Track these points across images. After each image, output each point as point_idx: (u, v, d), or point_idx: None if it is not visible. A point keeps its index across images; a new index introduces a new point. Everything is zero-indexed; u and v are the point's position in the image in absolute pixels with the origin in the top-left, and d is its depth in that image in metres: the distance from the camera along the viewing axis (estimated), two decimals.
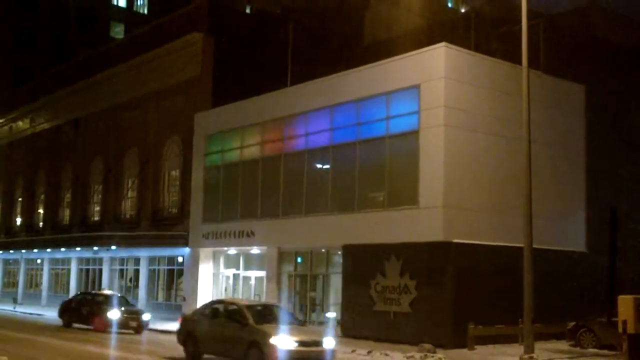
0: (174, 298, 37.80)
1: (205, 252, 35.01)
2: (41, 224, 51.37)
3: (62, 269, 48.18)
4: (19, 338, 25.14)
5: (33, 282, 52.00)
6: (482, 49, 27.01)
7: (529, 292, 20.01)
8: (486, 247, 24.59)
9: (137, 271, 40.36)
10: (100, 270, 43.27)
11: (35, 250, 49.03)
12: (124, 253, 41.01)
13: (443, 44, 25.06)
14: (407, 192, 25.51)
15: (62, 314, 32.45)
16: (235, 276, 34.15)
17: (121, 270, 42.53)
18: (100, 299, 30.76)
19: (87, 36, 67.53)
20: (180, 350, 20.20)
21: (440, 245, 24.04)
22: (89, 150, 46.03)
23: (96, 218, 44.95)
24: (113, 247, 40.01)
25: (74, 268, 45.88)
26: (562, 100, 29.09)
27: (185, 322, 20.54)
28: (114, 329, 28.21)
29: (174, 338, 21.43)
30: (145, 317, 29.71)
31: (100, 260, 43.12)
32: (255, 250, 32.94)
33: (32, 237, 50.29)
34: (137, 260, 40.45)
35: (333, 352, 17.97)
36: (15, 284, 53.56)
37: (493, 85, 26.28)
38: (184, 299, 35.51)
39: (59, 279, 48.74)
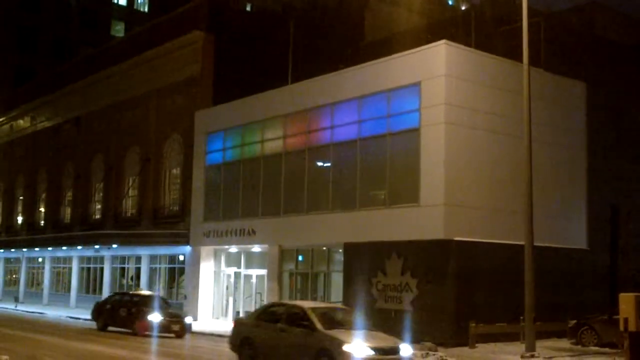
0: (175, 296, 37.78)
1: (206, 250, 35.03)
2: (42, 222, 51.44)
3: (63, 268, 48.22)
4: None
5: (34, 281, 52.07)
6: (483, 47, 26.98)
7: (530, 290, 20.02)
8: (487, 245, 24.59)
9: (138, 269, 40.35)
10: (102, 269, 43.31)
11: (37, 249, 49.11)
12: (125, 251, 41.04)
13: (444, 41, 25.03)
14: (408, 190, 25.49)
15: (96, 316, 29.96)
16: (237, 274, 34.16)
17: (122, 269, 42.54)
18: (139, 300, 28.29)
19: (87, 35, 67.64)
20: (230, 356, 18.67)
21: (441, 243, 24.03)
22: (90, 149, 46.05)
23: (97, 216, 45.00)
24: (114, 246, 40.02)
25: (75, 267, 45.92)
26: (563, 98, 29.07)
27: (240, 326, 18.83)
28: (155, 332, 26.14)
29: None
30: (188, 320, 27.84)
31: (102, 258, 43.15)
32: (256, 248, 32.94)
33: (33, 236, 50.34)
34: (138, 259, 40.47)
35: None
36: (16, 283, 53.65)
37: (494, 83, 26.26)
38: (185, 297, 35.58)
39: (60, 278, 48.78)
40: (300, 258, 31.24)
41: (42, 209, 51.90)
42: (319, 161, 30.01)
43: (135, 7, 74.49)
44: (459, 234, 24.05)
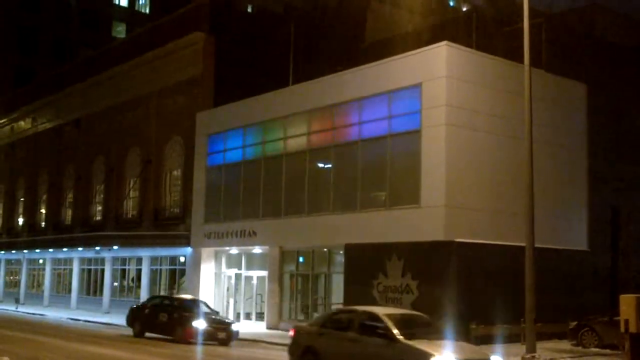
0: None
1: (207, 251, 35.02)
2: (43, 224, 51.46)
3: (64, 269, 48.20)
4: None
5: (35, 282, 52.04)
6: (484, 48, 26.99)
7: (531, 292, 19.97)
8: (488, 247, 24.55)
9: (139, 271, 40.32)
10: (102, 270, 43.28)
11: (38, 250, 49.09)
12: (126, 253, 41.02)
13: (445, 42, 25.03)
14: (408, 191, 25.49)
15: (132, 321, 27.55)
16: (237, 276, 34.16)
17: (123, 270, 42.54)
18: (180, 305, 26.21)
19: (88, 36, 67.66)
20: None
21: (442, 245, 24.02)
22: (91, 150, 46.07)
23: (98, 218, 45.01)
24: (115, 247, 40.02)
25: (76, 268, 45.91)
26: (564, 99, 29.06)
27: (301, 334, 17.00)
28: (199, 340, 24.17)
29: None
30: (235, 327, 25.61)
31: (102, 260, 43.13)
32: (257, 249, 32.94)
33: (34, 237, 50.36)
34: (139, 260, 40.45)
35: None
36: (17, 284, 53.63)
37: (495, 84, 26.26)
38: None
39: (61, 279, 48.76)
40: (301, 259, 31.24)
41: (43, 211, 51.91)
42: (320, 162, 30.02)
43: (136, 8, 74.57)
44: (460, 236, 24.04)
